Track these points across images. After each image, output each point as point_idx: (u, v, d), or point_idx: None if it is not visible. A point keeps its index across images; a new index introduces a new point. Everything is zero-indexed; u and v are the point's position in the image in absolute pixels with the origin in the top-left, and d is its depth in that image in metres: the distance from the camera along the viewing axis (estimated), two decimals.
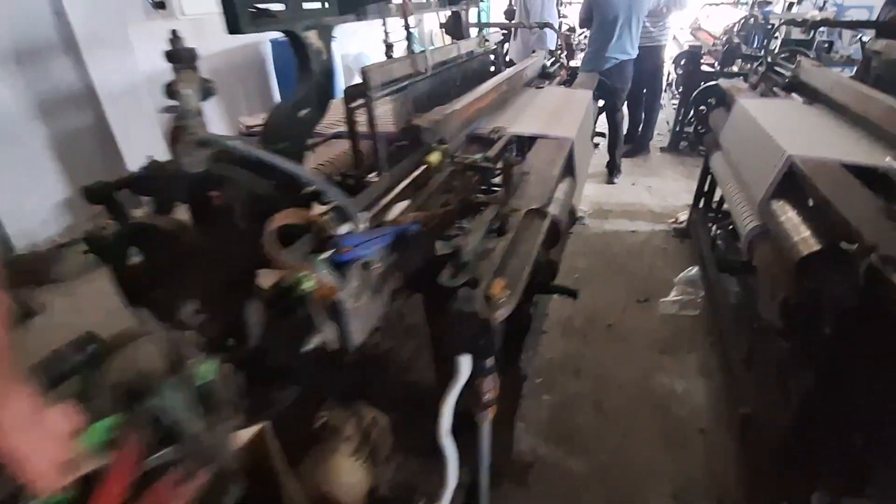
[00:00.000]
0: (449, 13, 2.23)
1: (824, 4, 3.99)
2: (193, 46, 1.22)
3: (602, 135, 4.24)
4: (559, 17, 4.28)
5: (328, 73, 1.32)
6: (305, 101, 1.27)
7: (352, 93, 1.36)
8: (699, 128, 3.59)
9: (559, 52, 2.95)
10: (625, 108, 4.00)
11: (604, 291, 2.46)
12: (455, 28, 2.45)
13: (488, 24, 2.99)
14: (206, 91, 1.25)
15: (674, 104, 4.85)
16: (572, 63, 3.63)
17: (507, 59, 3.55)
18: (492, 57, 2.57)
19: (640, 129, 4.30)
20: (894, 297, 0.88)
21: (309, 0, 1.29)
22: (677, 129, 4.31)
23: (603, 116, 3.47)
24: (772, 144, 1.52)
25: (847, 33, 4.41)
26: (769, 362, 1.54)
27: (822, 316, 1.17)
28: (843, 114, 1.78)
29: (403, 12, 1.49)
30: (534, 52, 2.65)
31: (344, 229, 0.80)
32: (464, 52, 2.00)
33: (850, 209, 1.07)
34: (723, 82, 2.49)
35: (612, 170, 3.75)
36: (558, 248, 1.51)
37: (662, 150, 4.42)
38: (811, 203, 1.33)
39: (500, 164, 1.17)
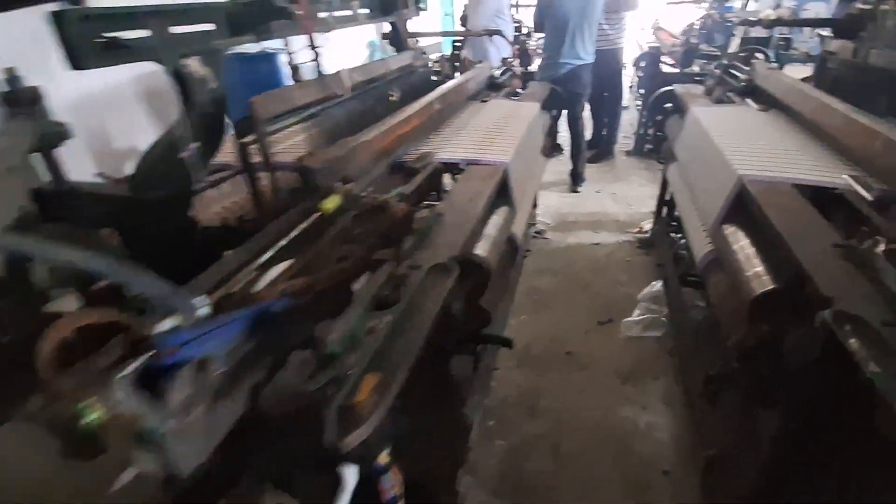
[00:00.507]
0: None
1: (780, 1, 3.94)
2: (36, 85, 1.05)
3: (558, 147, 4.15)
4: (513, 21, 4.15)
5: (218, 103, 1.15)
6: (187, 137, 1.09)
7: (242, 127, 1.18)
8: (658, 134, 3.50)
9: (511, 59, 2.81)
10: (588, 114, 3.90)
11: (565, 313, 2.32)
12: (395, 40, 2.29)
13: (429, 34, 2.83)
14: (56, 136, 1.07)
15: (638, 105, 4.77)
16: (533, 68, 3.50)
17: None
18: (436, 68, 2.42)
19: (603, 133, 4.20)
20: (851, 360, 0.74)
21: (184, 24, 1.11)
22: (641, 131, 4.22)
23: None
24: (723, 162, 1.39)
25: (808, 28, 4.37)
26: (733, 399, 1.41)
27: (779, 363, 1.04)
28: (799, 122, 1.67)
29: (305, 28, 1.32)
30: (480, 61, 2.50)
31: (167, 325, 0.62)
32: (394, 68, 1.84)
33: (803, 248, 0.93)
34: (678, 88, 2.37)
35: (576, 178, 3.62)
36: (515, 273, 1.35)
37: (628, 153, 4.32)
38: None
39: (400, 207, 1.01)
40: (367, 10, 1.95)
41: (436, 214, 1.07)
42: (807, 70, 2.64)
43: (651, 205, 3.21)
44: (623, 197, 3.50)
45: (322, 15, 1.46)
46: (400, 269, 0.86)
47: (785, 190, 1.20)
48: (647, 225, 2.96)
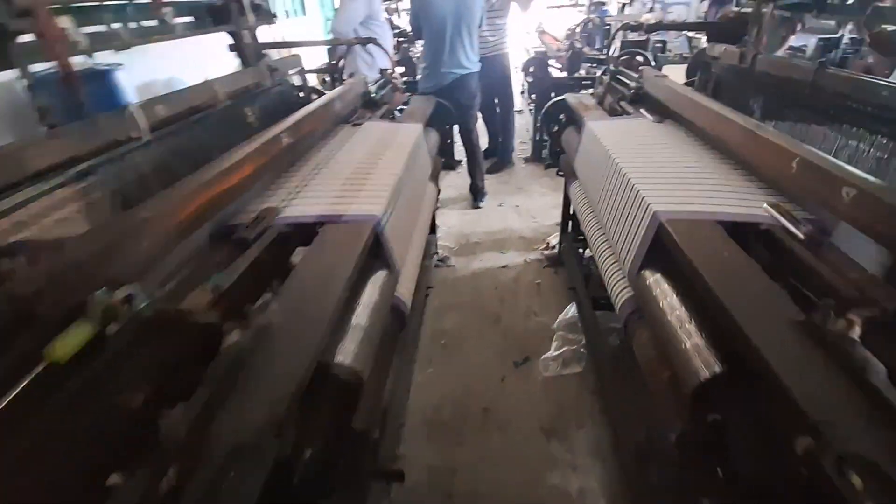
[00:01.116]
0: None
1: (653, 5, 4.08)
2: None
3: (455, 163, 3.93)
4: (393, 27, 3.84)
5: None
6: None
7: None
8: (555, 148, 3.40)
9: (391, 71, 2.49)
10: (482, 123, 3.71)
11: (477, 357, 2.05)
12: (240, 54, 1.87)
13: (289, 44, 2.42)
14: None
15: (532, 109, 4.71)
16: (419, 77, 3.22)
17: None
18: (297, 85, 2.03)
19: (500, 141, 4.06)
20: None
21: None
22: (537, 137, 4.13)
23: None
24: (634, 194, 1.18)
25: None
26: (667, 467, 1.21)
27: (732, 456, 0.82)
28: (700, 135, 1.53)
29: (49, 47, 0.88)
30: (351, 75, 2.15)
31: None
32: (226, 91, 1.43)
33: (755, 326, 0.71)
34: (569, 98, 2.21)
35: (476, 193, 3.41)
36: (410, 334, 1.01)
37: (526, 160, 4.22)
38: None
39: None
40: (188, 20, 1.52)
41: (258, 327, 0.71)
42: (680, 70, 2.65)
43: (555, 216, 3.07)
44: (526, 209, 3.35)
45: (91, 31, 1.03)
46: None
47: (708, 231, 1.00)
48: (554, 239, 2.80)
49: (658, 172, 1.27)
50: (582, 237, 2.50)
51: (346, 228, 1.04)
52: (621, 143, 1.52)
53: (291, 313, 0.78)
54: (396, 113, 2.35)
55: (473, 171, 3.36)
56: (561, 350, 2.04)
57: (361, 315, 0.94)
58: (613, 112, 2.05)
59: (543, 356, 2.01)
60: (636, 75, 2.01)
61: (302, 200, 1.15)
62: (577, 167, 1.85)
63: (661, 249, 1.06)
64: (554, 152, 2.85)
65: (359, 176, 1.28)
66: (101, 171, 0.98)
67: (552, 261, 2.67)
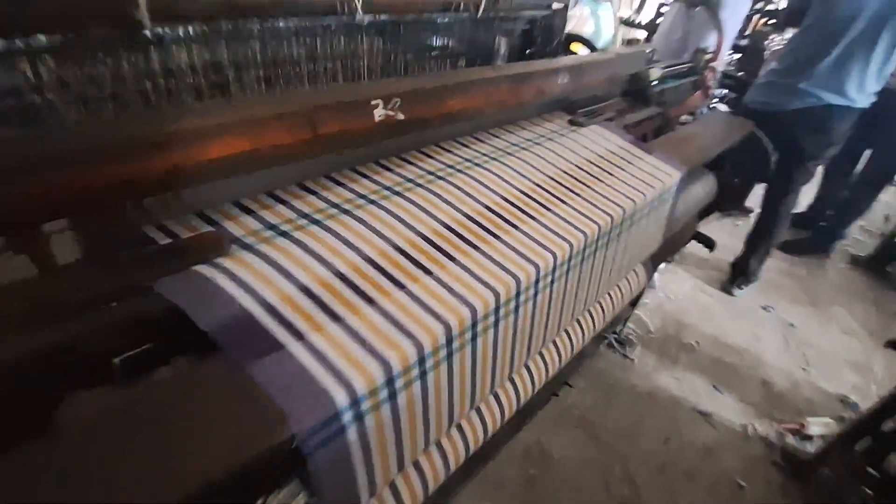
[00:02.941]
0: None
1: None
2: None
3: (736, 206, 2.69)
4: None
5: None
6: None
7: None
8: None
9: (710, 57, 1.54)
10: (820, 176, 2.39)
11: None
12: None
13: None
14: None
15: None
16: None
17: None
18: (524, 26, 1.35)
19: (830, 214, 2.62)
20: None
21: None
22: None
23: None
24: None
25: None
26: None
27: None
28: None
29: None
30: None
31: None
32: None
33: None
34: None
35: (739, 274, 2.25)
36: None
37: (855, 261, 2.67)
38: None
39: None
40: None
41: None
42: None
43: (846, 381, 1.84)
44: (804, 340, 2.08)
45: None
46: None
47: None
48: (818, 427, 1.63)
49: None
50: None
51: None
52: None
53: None
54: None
55: (756, 242, 2.19)
56: None
57: None
58: None
59: None
60: None
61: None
62: None
63: None
64: None
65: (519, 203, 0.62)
66: None
67: (791, 461, 1.54)
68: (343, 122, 0.65)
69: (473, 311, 0.55)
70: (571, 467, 1.46)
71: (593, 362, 1.78)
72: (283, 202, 0.64)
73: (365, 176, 0.73)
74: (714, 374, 1.83)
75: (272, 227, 0.59)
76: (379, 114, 0.69)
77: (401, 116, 0.72)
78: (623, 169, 0.92)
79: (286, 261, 0.54)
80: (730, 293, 2.25)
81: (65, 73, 0.62)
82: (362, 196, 0.68)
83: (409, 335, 0.49)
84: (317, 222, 0.61)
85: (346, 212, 0.64)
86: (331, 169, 0.72)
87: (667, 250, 1.09)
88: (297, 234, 0.58)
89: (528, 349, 0.74)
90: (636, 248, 0.95)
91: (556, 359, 0.86)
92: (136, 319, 0.47)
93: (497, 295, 0.58)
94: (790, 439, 1.61)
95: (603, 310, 0.99)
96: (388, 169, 0.75)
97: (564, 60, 1.02)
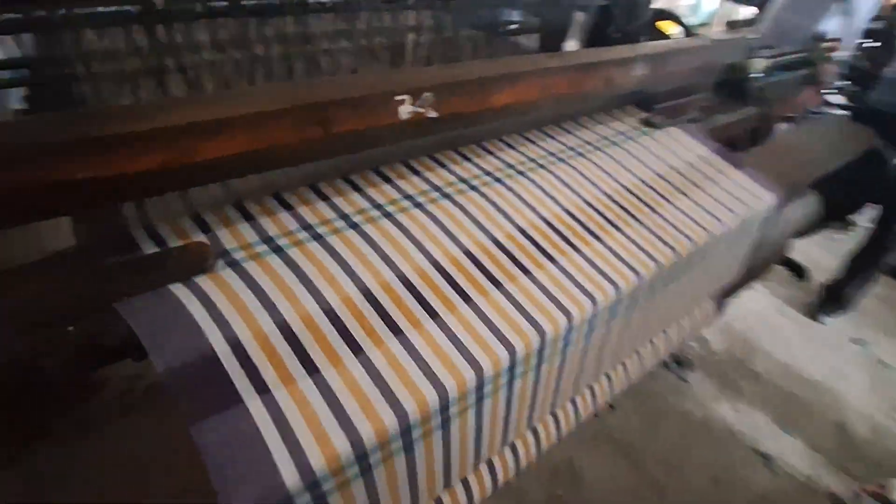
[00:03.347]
0: None
1: None
2: None
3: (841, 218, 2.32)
4: None
5: None
6: None
7: None
8: None
9: (830, 45, 1.27)
10: None
11: None
12: None
13: None
14: None
15: None
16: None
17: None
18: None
19: None
20: None
21: None
22: None
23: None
24: None
25: None
26: None
27: None
28: None
29: None
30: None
31: None
32: None
33: None
34: None
35: (833, 301, 1.96)
36: None
37: None
38: None
39: None
40: None
41: None
42: None
43: None
44: None
45: None
46: None
47: None
48: None
49: None
50: None
51: None
52: None
53: None
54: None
55: (860, 266, 1.88)
56: None
57: None
58: None
59: None
60: None
61: None
62: None
63: None
64: None
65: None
66: None
67: None
68: (360, 121, 0.56)
69: (479, 375, 0.46)
70: (603, 492, 1.35)
71: (644, 382, 1.63)
72: (288, 207, 0.57)
73: (388, 180, 0.64)
74: (781, 411, 1.62)
75: (268, 240, 0.52)
76: (406, 111, 0.59)
77: (433, 114, 0.61)
78: (700, 187, 0.76)
79: (272, 288, 0.47)
80: (816, 319, 1.97)
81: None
82: (378, 206, 0.59)
83: (394, 401, 0.41)
84: (318, 237, 0.53)
85: (355, 226, 0.55)
86: (351, 169, 0.64)
87: (744, 282, 0.92)
88: (292, 252, 0.51)
89: (554, 399, 0.64)
90: (703, 283, 0.80)
91: (588, 403, 0.75)
92: (92, 346, 0.41)
93: (516, 349, 0.48)
94: (866, 503, 1.40)
95: (652, 350, 0.85)
96: (416, 172, 0.66)
97: (641, 48, 0.85)
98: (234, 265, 0.48)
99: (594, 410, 0.75)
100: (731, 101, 1.08)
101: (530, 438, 0.66)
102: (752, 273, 0.89)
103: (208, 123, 0.48)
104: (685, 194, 0.74)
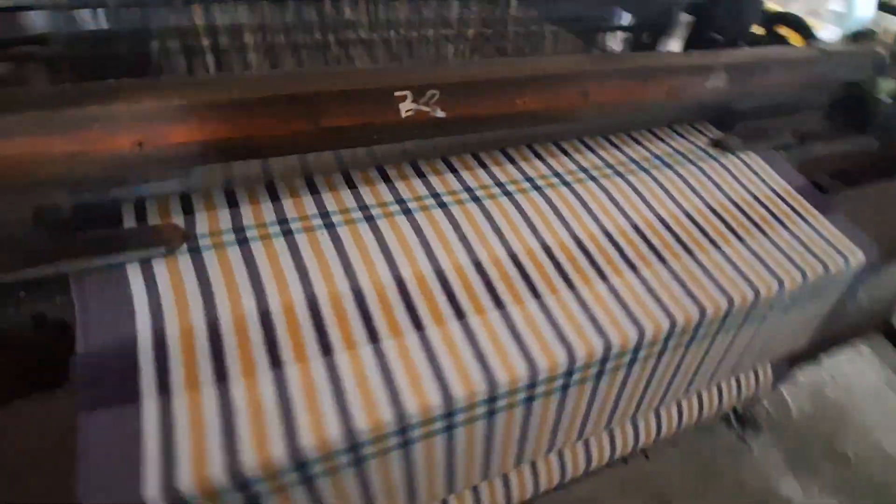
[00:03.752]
0: None
1: None
2: None
3: None
4: None
5: None
6: None
7: None
8: None
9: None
10: None
11: None
12: None
13: None
14: None
15: None
16: None
17: None
18: None
19: None
20: None
21: None
22: None
23: None
24: None
25: None
26: None
27: None
28: None
29: None
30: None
31: None
32: None
33: None
34: None
35: None
36: None
37: None
38: None
39: None
40: None
41: None
42: None
43: None
44: None
45: None
46: None
47: None
48: None
49: None
50: None
51: None
52: None
53: None
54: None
55: None
56: None
57: None
58: None
59: None
60: None
61: None
62: None
63: None
64: None
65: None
66: None
67: None
68: (354, 116, 0.52)
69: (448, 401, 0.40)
70: None
71: (697, 434, 1.44)
72: (276, 199, 0.54)
73: (387, 180, 0.59)
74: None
75: (239, 229, 0.50)
76: (407, 108, 0.54)
77: (440, 114, 0.56)
78: (773, 228, 0.63)
79: (219, 282, 0.45)
80: None
81: None
82: (364, 208, 0.55)
83: (290, 428, 0.36)
84: (288, 233, 0.50)
85: (330, 226, 0.52)
86: (355, 163, 0.61)
87: (817, 351, 0.75)
88: (255, 246, 0.49)
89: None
90: (763, 343, 0.66)
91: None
92: (35, 316, 0.42)
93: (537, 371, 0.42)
94: None
95: (696, 403, 0.73)
96: (422, 175, 0.61)
97: (720, 55, 0.72)
98: (194, 252, 0.47)
99: (630, 451, 0.67)
100: (844, 127, 0.89)
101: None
102: (829, 342, 0.72)
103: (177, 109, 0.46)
104: (751, 234, 0.61)
